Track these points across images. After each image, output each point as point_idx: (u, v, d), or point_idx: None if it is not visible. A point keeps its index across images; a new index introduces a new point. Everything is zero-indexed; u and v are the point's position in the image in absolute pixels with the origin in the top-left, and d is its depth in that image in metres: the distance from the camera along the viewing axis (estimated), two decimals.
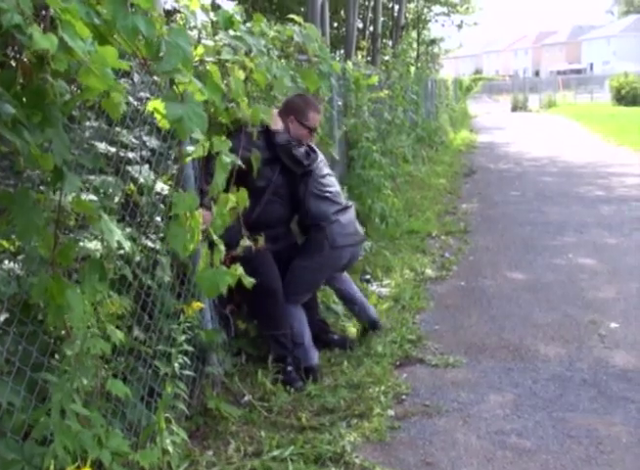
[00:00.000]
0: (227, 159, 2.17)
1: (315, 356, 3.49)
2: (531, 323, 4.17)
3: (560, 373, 3.45)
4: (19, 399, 1.82)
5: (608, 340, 3.85)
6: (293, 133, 3.48)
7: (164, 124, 1.84)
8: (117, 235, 1.83)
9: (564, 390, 3.27)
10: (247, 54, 2.94)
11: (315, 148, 3.63)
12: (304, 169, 3.45)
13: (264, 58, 3.08)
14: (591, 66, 68.16)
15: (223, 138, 2.15)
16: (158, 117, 1.85)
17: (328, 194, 3.51)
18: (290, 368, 3.37)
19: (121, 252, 2.16)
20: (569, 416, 3.02)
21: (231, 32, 2.70)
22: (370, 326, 3.93)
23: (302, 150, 3.46)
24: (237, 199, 2.34)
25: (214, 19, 2.66)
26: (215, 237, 2.26)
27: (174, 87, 1.84)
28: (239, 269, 2.33)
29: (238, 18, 2.72)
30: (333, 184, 3.61)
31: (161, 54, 1.81)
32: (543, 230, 6.66)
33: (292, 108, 3.51)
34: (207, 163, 2.82)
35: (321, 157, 3.62)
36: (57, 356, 1.99)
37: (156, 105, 1.84)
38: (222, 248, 2.28)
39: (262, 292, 3.15)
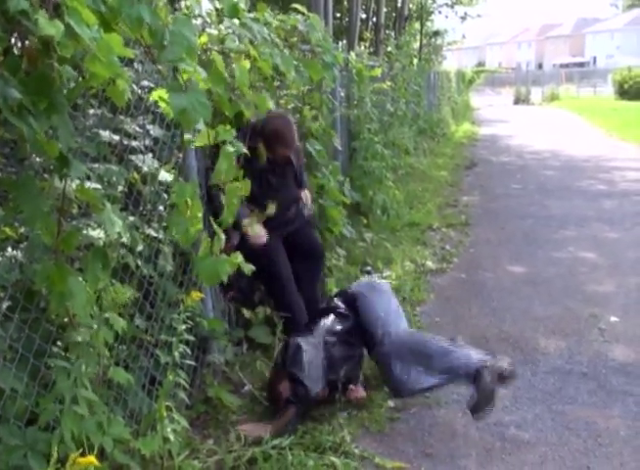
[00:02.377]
0: (231, 148, 2.17)
1: None
2: (532, 316, 4.18)
3: (559, 366, 3.46)
4: (21, 386, 1.83)
5: (607, 334, 3.86)
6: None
7: (169, 112, 1.83)
8: (118, 226, 1.83)
9: (563, 383, 3.29)
10: (251, 42, 2.93)
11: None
12: None
13: (268, 47, 3.07)
14: (594, 59, 67.90)
15: (227, 127, 2.14)
16: (162, 105, 1.85)
17: None
18: None
19: (124, 240, 2.17)
20: (567, 409, 3.04)
21: (235, 21, 2.69)
22: None
23: None
24: (241, 186, 2.35)
25: (219, 6, 2.65)
26: (215, 226, 2.27)
27: (178, 76, 1.84)
28: (239, 257, 2.34)
29: (242, 6, 2.71)
30: None
31: (165, 43, 1.81)
32: (544, 224, 6.66)
33: (262, 133, 3.38)
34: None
35: None
36: (59, 343, 2.00)
37: (160, 94, 1.84)
38: (222, 236, 2.28)
39: (270, 277, 3.49)
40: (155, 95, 1.87)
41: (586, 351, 3.65)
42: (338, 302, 3.33)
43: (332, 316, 3.25)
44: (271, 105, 2.93)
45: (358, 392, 3.08)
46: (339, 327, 3.18)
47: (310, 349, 3.00)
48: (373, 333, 3.13)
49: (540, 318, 4.13)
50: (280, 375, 2.96)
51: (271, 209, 3.24)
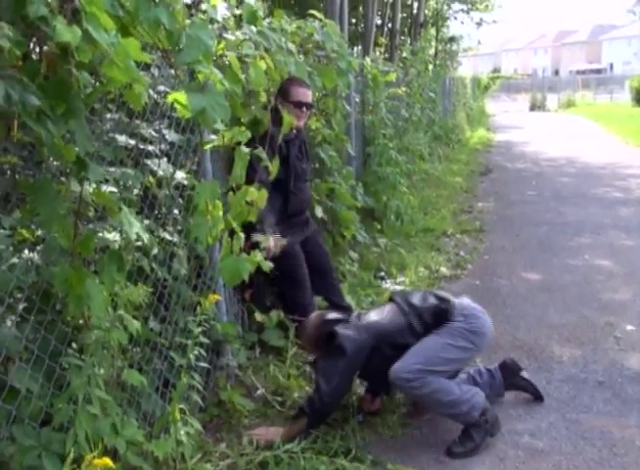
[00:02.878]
0: (246, 149, 2.18)
1: None
2: (546, 324, 4.15)
3: (574, 374, 3.43)
4: (37, 386, 1.84)
5: (623, 342, 3.82)
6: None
7: (186, 115, 1.85)
8: (137, 227, 1.85)
9: (578, 391, 3.26)
10: (266, 50, 2.95)
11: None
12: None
13: (283, 55, 3.09)
14: (611, 66, 67.43)
15: (242, 129, 2.15)
16: (178, 107, 1.87)
17: None
18: None
19: (139, 243, 2.18)
20: (582, 418, 3.01)
21: (253, 28, 2.71)
22: None
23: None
24: (257, 197, 2.35)
25: (238, 12, 2.67)
26: (235, 225, 2.28)
27: (196, 78, 1.85)
28: (258, 256, 2.35)
29: (260, 14, 2.73)
30: None
31: (182, 46, 1.83)
32: (560, 231, 6.62)
33: (277, 92, 3.47)
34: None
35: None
36: (74, 345, 2.02)
37: (177, 96, 1.86)
38: (242, 235, 2.29)
39: (290, 280, 3.50)
40: (171, 98, 1.88)
41: (601, 359, 3.61)
42: (429, 308, 2.87)
43: (404, 323, 2.82)
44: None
45: (375, 404, 3.04)
46: (402, 341, 2.77)
47: (353, 354, 2.72)
48: (408, 355, 2.73)
49: (555, 326, 4.10)
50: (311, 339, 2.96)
51: (284, 240, 3.25)
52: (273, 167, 2.67)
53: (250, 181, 2.43)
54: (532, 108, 30.44)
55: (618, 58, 67.34)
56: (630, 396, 3.19)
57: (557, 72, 71.28)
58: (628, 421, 2.97)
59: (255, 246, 2.74)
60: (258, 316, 3.43)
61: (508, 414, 3.04)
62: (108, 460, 1.46)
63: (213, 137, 2.21)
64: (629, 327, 4.03)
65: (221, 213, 2.11)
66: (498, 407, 3.06)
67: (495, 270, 5.34)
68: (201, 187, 2.05)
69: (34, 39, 1.63)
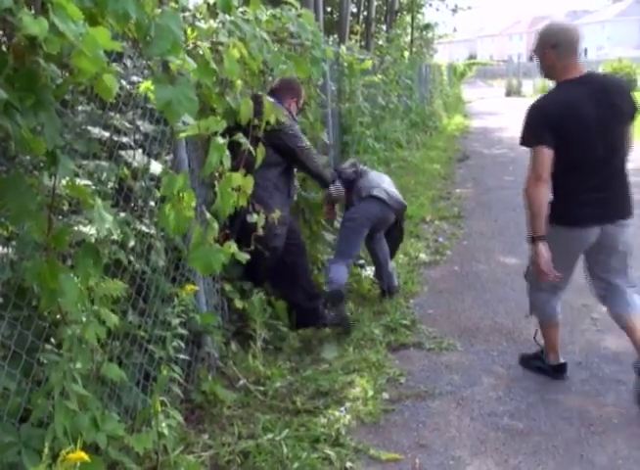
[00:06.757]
0: (221, 140, 2.16)
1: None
2: (525, 307, 4.17)
3: None
4: (14, 383, 1.82)
5: (600, 323, 3.88)
6: (291, 111, 3.71)
7: (158, 106, 1.83)
8: (108, 222, 1.82)
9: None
10: (241, 39, 2.92)
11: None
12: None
13: (257, 42, 3.06)
14: (585, 51, 67.82)
15: (218, 118, 2.13)
16: (151, 98, 1.84)
17: None
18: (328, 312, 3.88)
19: (115, 237, 2.16)
20: (561, 398, 3.06)
21: (227, 17, 2.68)
22: (387, 290, 4.37)
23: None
24: (243, 183, 2.34)
25: (211, 1, 2.64)
26: (209, 215, 2.26)
27: (169, 69, 1.83)
28: (233, 247, 2.33)
29: (235, 2, 2.70)
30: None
31: (152, 36, 1.80)
32: None
33: (295, 89, 3.79)
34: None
35: None
36: (52, 340, 2.00)
37: (148, 86, 1.83)
38: (215, 225, 2.27)
39: (298, 251, 3.75)
40: (143, 87, 1.86)
41: (579, 340, 3.67)
42: None
43: None
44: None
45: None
46: None
47: None
48: None
49: None
50: None
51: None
52: (259, 154, 2.68)
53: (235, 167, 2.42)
54: (508, 94, 30.58)
55: (592, 43, 67.82)
56: (607, 375, 3.25)
57: (532, 58, 71.28)
58: (605, 400, 3.02)
59: (229, 237, 2.73)
60: (238, 303, 3.42)
61: (488, 396, 3.08)
62: (83, 454, 1.45)
63: (185, 127, 2.18)
64: (605, 308, 4.08)
65: (193, 204, 2.08)
66: (478, 389, 3.10)
67: (474, 255, 5.39)
68: (169, 179, 2.03)
69: (2, 31, 1.60)
